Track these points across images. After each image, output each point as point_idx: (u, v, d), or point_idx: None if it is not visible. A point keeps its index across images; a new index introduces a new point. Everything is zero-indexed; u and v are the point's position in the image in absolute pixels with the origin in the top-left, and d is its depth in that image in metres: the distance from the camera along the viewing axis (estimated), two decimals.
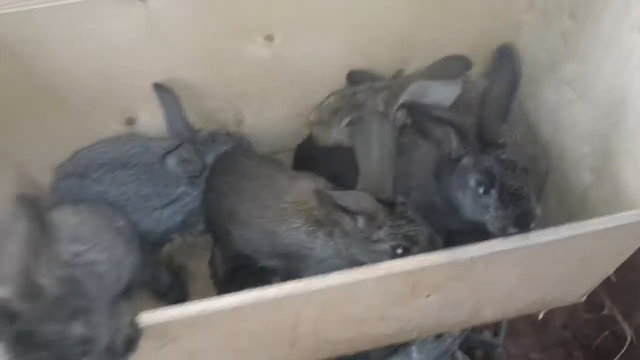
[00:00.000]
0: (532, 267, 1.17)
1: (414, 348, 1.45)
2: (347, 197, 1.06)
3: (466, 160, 1.11)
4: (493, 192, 1.07)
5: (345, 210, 1.06)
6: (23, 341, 0.77)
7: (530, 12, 1.43)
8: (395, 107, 1.22)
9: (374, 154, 1.11)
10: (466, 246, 1.03)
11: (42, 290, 0.79)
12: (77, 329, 0.81)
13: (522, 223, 1.04)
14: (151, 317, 0.99)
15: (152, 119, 1.42)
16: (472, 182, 1.09)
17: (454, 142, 1.11)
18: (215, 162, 1.42)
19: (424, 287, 1.14)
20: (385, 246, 1.08)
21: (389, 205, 1.09)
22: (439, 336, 1.46)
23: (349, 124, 1.26)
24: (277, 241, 1.25)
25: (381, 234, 1.07)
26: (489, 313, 1.39)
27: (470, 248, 1.04)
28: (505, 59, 1.11)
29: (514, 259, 1.11)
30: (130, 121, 1.44)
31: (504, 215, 1.05)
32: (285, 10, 1.29)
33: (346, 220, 1.09)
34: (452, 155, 1.12)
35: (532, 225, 1.05)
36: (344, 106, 1.27)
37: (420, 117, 1.13)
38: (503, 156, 1.09)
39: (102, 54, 1.24)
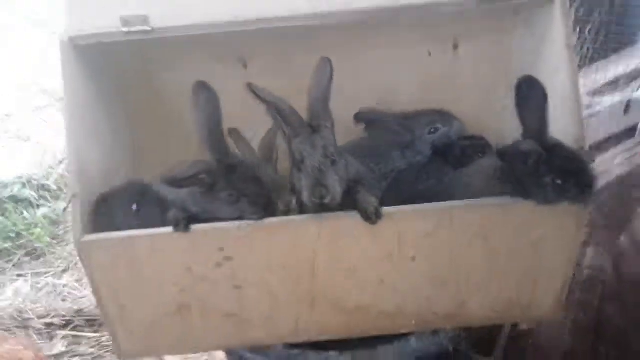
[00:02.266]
0: (491, 239, 1.58)
1: (413, 337, 1.77)
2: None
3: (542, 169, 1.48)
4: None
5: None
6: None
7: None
8: None
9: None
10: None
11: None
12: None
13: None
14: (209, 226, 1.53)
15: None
16: (548, 180, 1.48)
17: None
18: None
19: (408, 244, 1.57)
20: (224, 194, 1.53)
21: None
22: (435, 332, 1.79)
23: None
24: None
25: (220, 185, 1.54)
26: (474, 307, 1.71)
27: (433, 204, 1.55)
28: (532, 85, 1.52)
29: (473, 223, 1.55)
30: None
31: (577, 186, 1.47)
32: None
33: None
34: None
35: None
36: None
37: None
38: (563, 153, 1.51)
39: None
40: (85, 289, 3.25)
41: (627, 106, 2.83)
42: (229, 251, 1.55)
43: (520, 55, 1.89)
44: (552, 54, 1.67)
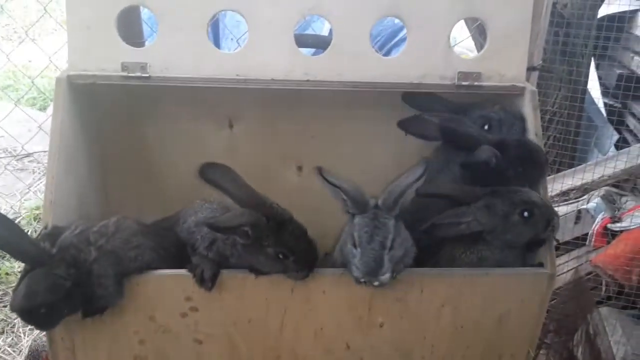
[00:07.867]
0: (459, 308, 1.59)
1: None
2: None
3: None
4: None
5: None
6: None
7: None
8: None
9: None
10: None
11: None
12: None
13: None
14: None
15: None
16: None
17: None
18: None
19: (378, 308, 1.57)
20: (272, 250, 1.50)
21: None
22: None
23: None
24: None
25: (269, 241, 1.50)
26: None
27: (409, 270, 1.55)
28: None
29: (442, 291, 1.57)
30: None
31: None
32: (310, 152, 2.03)
33: None
34: None
35: None
36: None
37: None
38: None
39: (197, 156, 1.84)
40: (18, 355, 3.04)
41: (578, 216, 2.97)
42: (197, 301, 1.51)
43: None
44: None
